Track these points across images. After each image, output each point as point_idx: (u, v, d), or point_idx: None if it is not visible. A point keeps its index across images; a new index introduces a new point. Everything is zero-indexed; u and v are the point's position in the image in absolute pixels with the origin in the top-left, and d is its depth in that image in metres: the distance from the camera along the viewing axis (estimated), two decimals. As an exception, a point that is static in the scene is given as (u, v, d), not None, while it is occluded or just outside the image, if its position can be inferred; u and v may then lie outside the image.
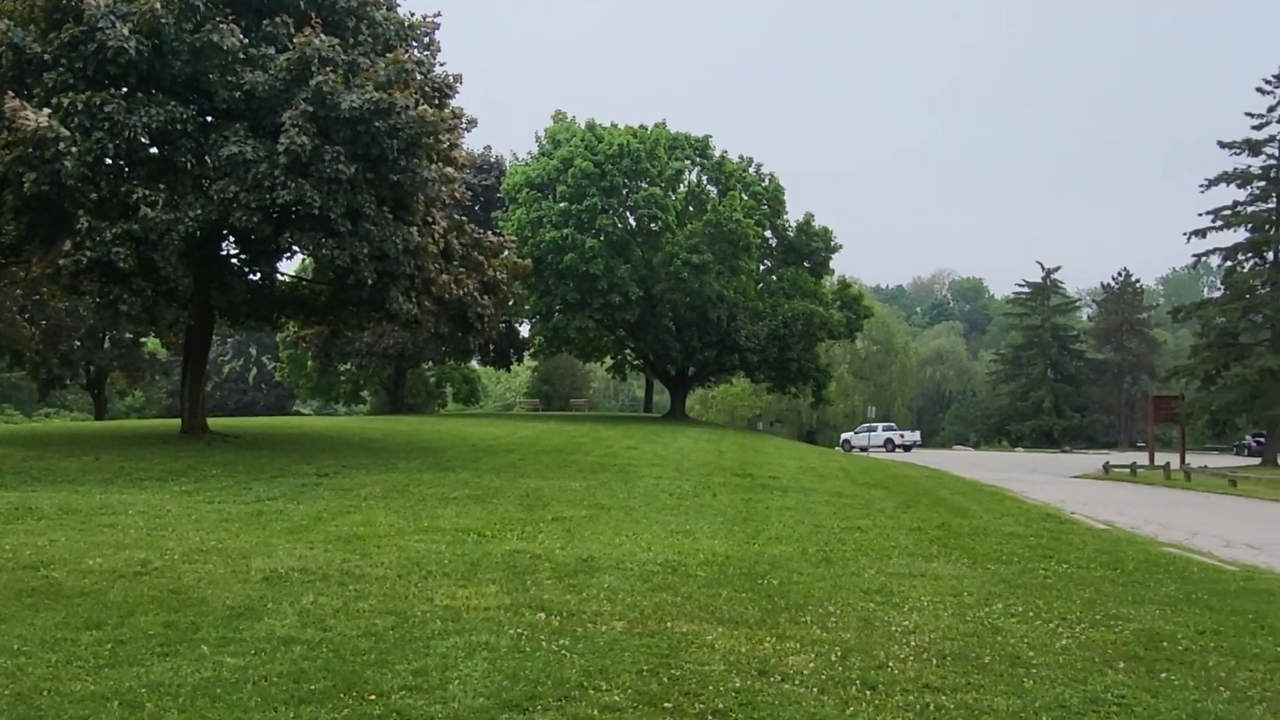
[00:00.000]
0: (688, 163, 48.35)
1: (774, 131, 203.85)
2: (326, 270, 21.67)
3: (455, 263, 24.79)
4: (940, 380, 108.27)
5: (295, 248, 21.46)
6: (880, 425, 64.83)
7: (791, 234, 49.86)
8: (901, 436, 60.50)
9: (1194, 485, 31.56)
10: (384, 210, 20.79)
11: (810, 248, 49.71)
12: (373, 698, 5.40)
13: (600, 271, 41.58)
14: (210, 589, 8.04)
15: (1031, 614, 8.17)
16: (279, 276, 25.99)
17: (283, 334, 47.33)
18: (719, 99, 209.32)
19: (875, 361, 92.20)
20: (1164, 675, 6.36)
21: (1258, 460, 51.70)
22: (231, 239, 23.39)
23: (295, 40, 19.56)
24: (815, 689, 5.78)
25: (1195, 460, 43.73)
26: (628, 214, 45.53)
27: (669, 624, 7.30)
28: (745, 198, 46.68)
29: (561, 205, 42.88)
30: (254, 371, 76.17)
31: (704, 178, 49.67)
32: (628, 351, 53.16)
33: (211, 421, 26.86)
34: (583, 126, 46.03)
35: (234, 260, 24.70)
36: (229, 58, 19.46)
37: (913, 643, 6.97)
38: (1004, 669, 6.37)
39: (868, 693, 5.74)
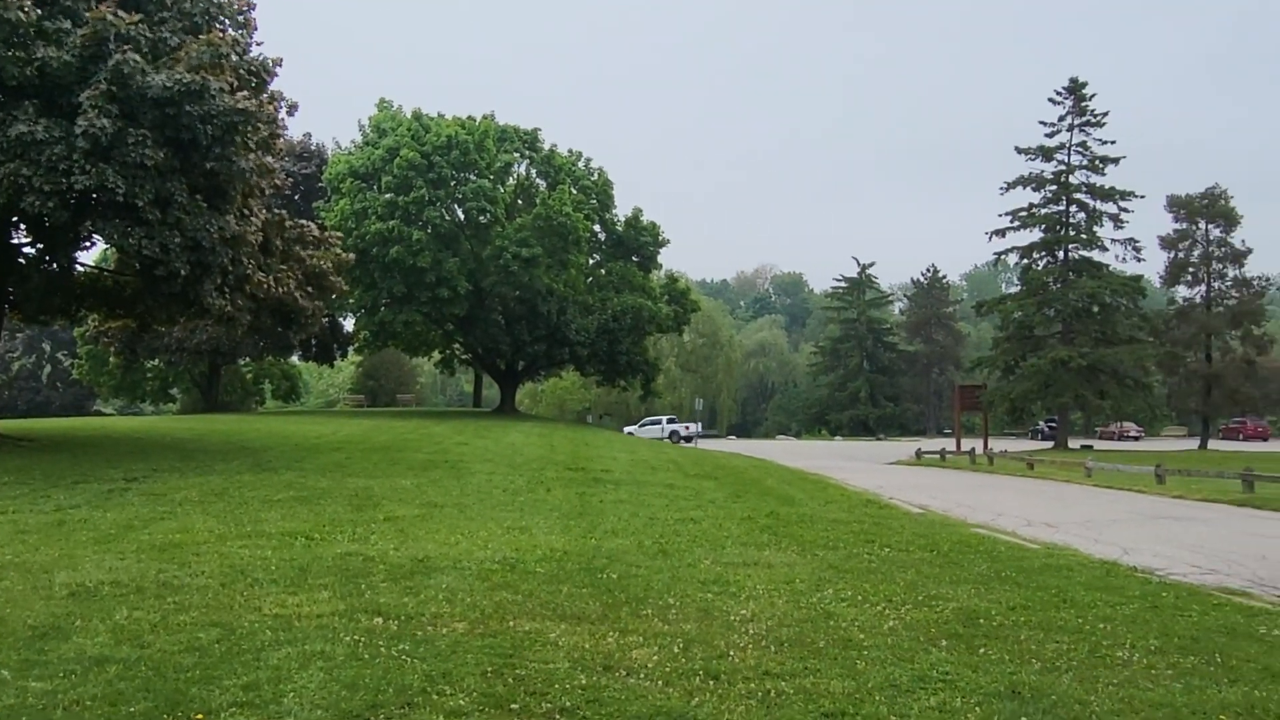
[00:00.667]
0: (517, 155, 48.00)
1: (600, 126, 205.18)
2: (133, 260, 20.29)
3: (275, 257, 23.73)
4: (764, 372, 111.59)
5: (97, 236, 20.01)
6: (664, 418, 66.91)
7: (620, 228, 50.27)
8: (686, 429, 62.28)
9: (997, 469, 33.70)
10: (197, 199, 19.66)
11: (639, 242, 50.24)
12: (200, 716, 5.09)
13: (428, 264, 40.76)
14: (9, 608, 7.40)
15: (860, 598, 8.51)
16: (78, 266, 24.21)
17: (81, 329, 44.22)
18: (547, 93, 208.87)
19: (702, 354, 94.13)
20: (982, 650, 6.73)
21: (1050, 444, 55.76)
22: (23, 226, 21.61)
23: (89, 15, 18.23)
24: (660, 681, 5.83)
25: (997, 445, 46.72)
26: (456, 206, 44.78)
27: (511, 623, 7.22)
28: (574, 191, 46.73)
29: (387, 196, 41.74)
30: (48, 369, 70.85)
31: (533, 171, 49.46)
32: (456, 346, 52.37)
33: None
34: (409, 116, 44.93)
35: (27, 249, 22.84)
36: (19, 31, 17.93)
37: (751, 631, 7.13)
38: (838, 652, 6.60)
39: (711, 682, 5.83)
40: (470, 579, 8.87)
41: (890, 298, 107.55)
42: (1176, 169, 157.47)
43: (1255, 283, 56.08)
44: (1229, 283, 55.86)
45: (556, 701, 5.42)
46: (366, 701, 5.34)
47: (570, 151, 49.70)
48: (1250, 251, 55.79)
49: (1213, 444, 56.35)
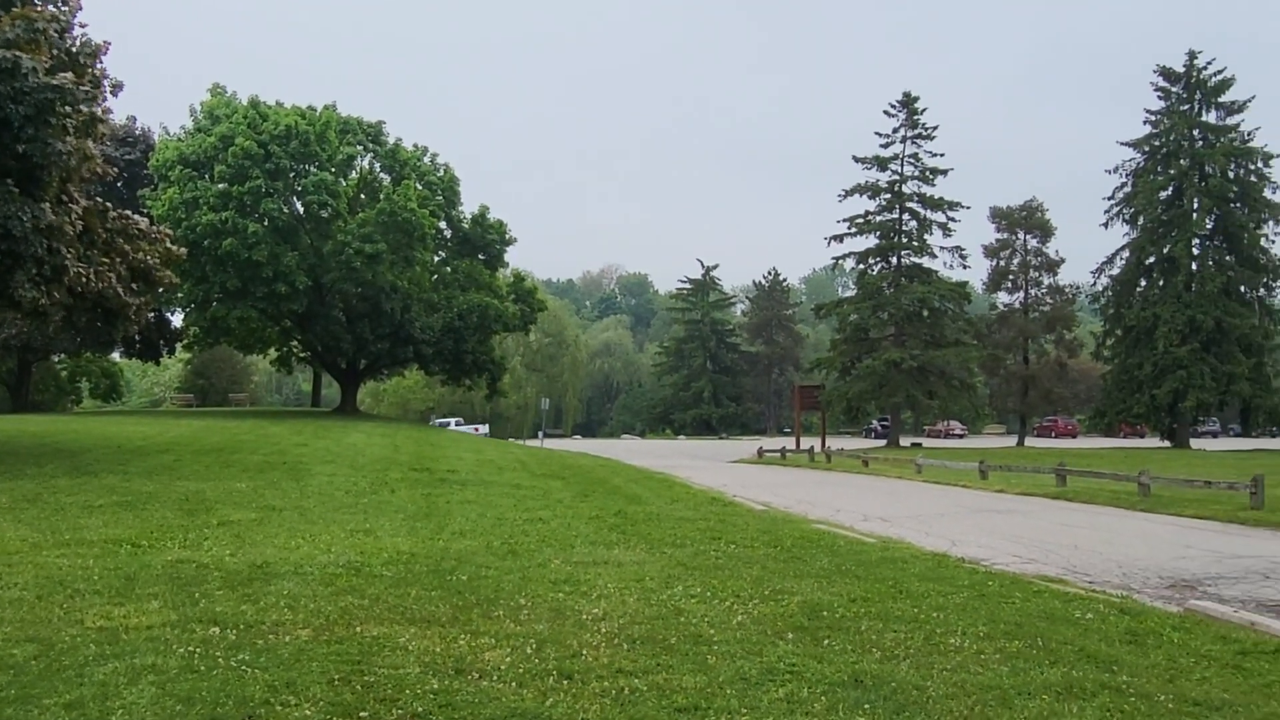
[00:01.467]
0: (360, 148, 46.65)
1: (445, 123, 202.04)
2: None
3: (97, 249, 22.29)
4: (609, 371, 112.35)
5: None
6: (452, 420, 68.61)
7: (467, 226, 49.59)
8: (476, 430, 62.89)
9: (834, 466, 34.93)
10: (8, 184, 18.28)
11: (485, 240, 49.67)
12: (17, 739, 4.74)
13: (264, 259, 39.15)
14: None
15: (709, 594, 8.66)
16: None
17: None
18: (390, 88, 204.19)
19: (548, 354, 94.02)
20: (826, 642, 6.95)
21: (883, 442, 58.19)
22: None
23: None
24: (513, 683, 5.77)
25: (834, 443, 48.45)
26: (295, 199, 43.20)
27: (358, 628, 7.01)
28: (420, 187, 45.80)
29: (221, 186, 39.87)
30: None
31: (377, 165, 48.21)
32: (295, 343, 50.53)
33: None
34: (245, 103, 43.04)
35: None
36: None
37: (603, 629, 7.15)
38: (689, 648, 6.69)
39: (565, 682, 5.81)
40: (313, 584, 8.57)
41: (733, 300, 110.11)
42: (999, 181, 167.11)
43: (1067, 290, 60.14)
44: (1044, 290, 59.72)
45: (408, 707, 5.30)
46: (204, 716, 5.08)
47: (416, 146, 48.71)
48: (1063, 261, 59.83)
49: (1029, 441, 60.11)
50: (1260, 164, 50.39)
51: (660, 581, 9.24)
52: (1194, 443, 52.31)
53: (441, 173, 48.96)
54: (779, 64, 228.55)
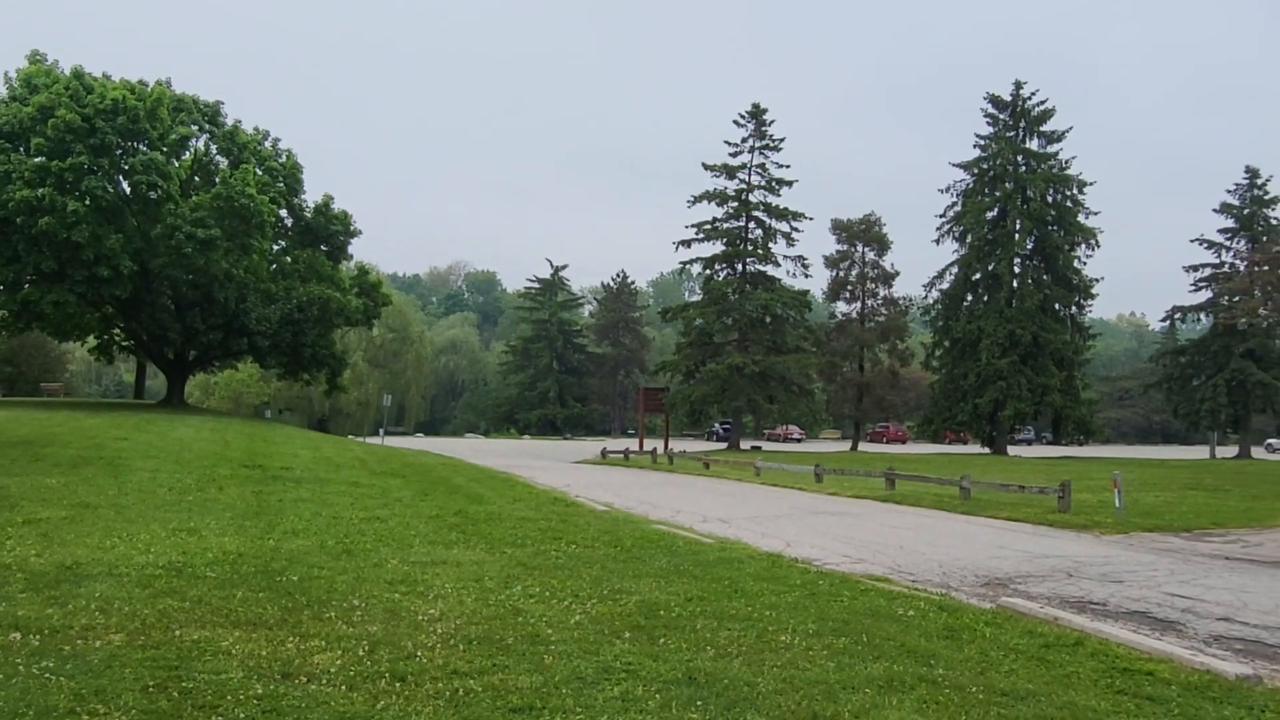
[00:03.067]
0: (195, 129, 44.41)
1: (289, 108, 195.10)
2: None
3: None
4: (454, 369, 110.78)
5: None
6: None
7: (309, 215, 47.88)
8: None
9: (677, 468, 35.44)
10: None
11: (328, 231, 48.11)
12: None
13: (85, 240, 36.70)
14: None
15: (548, 594, 8.64)
16: None
17: None
18: (230, 67, 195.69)
19: (391, 349, 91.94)
20: (662, 641, 7.05)
21: (724, 445, 59.39)
22: None
23: None
24: (343, 686, 5.61)
25: (677, 446, 49.14)
26: (122, 178, 40.68)
27: (177, 632, 6.67)
28: (259, 172, 43.87)
29: (37, 160, 37.16)
30: None
31: (213, 147, 45.92)
32: (117, 331, 47.63)
33: None
34: (68, 74, 40.32)
35: None
36: None
37: (439, 630, 7.04)
38: (526, 648, 6.66)
39: (398, 684, 5.69)
40: (129, 586, 8.11)
41: (581, 300, 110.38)
42: (842, 195, 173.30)
43: (900, 302, 62.86)
44: (880, 301, 62.25)
45: (229, 713, 5.07)
46: (0, 727, 4.74)
47: (256, 129, 46.73)
48: (898, 274, 62.56)
49: (862, 446, 62.47)
50: (1075, 190, 54.06)
51: (499, 581, 9.17)
52: (1011, 449, 55.55)
53: (284, 159, 47.11)
54: (627, 68, 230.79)
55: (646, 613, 7.97)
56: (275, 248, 47.58)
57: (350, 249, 50.40)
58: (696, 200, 56.92)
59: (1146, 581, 11.21)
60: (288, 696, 5.37)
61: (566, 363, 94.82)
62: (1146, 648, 7.48)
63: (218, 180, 42.22)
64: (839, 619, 8.04)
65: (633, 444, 50.34)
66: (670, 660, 6.47)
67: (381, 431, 59.58)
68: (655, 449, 41.21)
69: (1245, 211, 57.18)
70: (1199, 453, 58.62)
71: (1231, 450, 57.35)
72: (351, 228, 48.93)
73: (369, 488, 18.86)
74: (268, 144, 46.94)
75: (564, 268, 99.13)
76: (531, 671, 6.07)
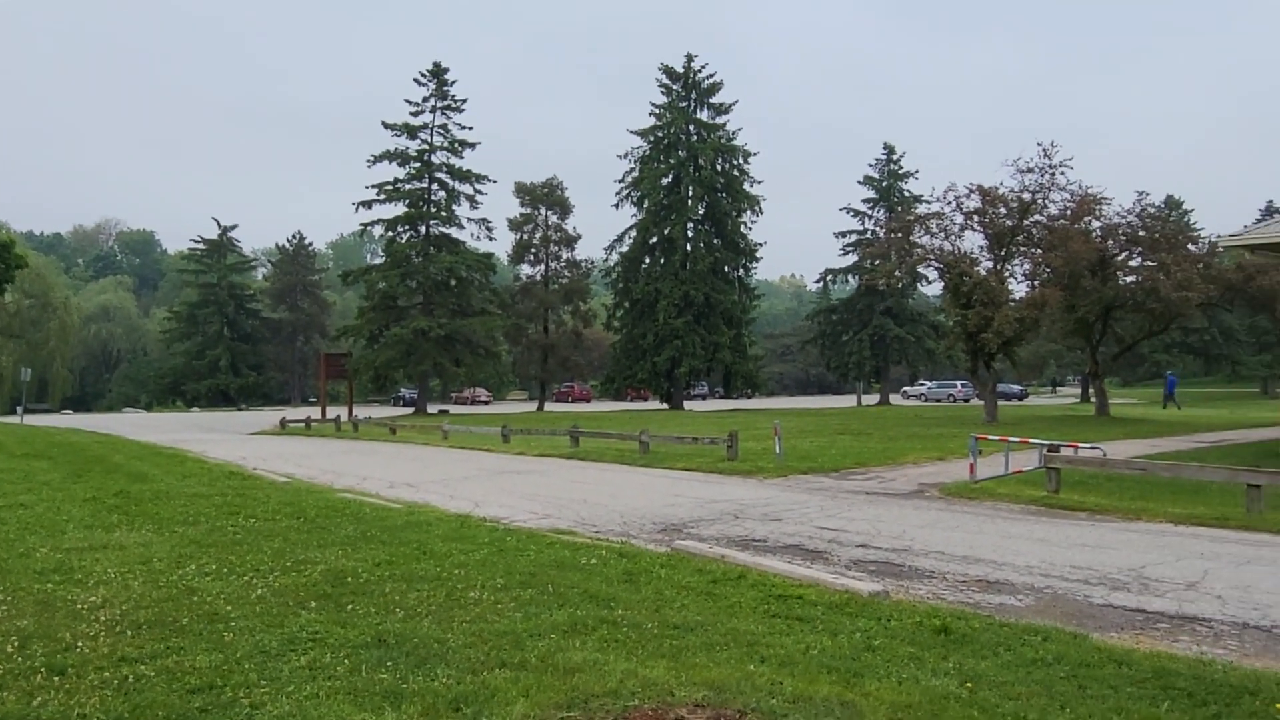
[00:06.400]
0: None
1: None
2: None
3: None
4: (107, 338, 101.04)
5: None
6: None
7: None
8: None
9: (362, 435, 34.55)
10: None
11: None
12: None
13: None
14: None
15: (225, 570, 8.28)
16: None
17: None
18: None
19: (29, 318, 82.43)
20: (350, 607, 6.99)
21: (411, 409, 58.56)
22: None
23: None
24: (-10, 687, 5.14)
25: (362, 412, 47.86)
26: None
27: None
28: None
29: None
30: None
31: None
32: None
33: None
34: None
35: None
36: None
37: (103, 618, 6.57)
38: (203, 627, 6.39)
39: (56, 678, 5.28)
40: None
41: (254, 263, 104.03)
42: (527, 159, 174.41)
43: (583, 265, 64.60)
44: (563, 264, 63.62)
45: None
46: None
47: None
48: (580, 237, 64.10)
49: (548, 406, 63.87)
50: (741, 160, 57.90)
51: (170, 562, 8.66)
52: (687, 404, 59.06)
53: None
54: (293, 18, 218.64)
55: (333, 581, 7.86)
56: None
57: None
58: (377, 160, 55.33)
59: (801, 518, 12.45)
60: (-79, 705, 4.85)
61: (239, 329, 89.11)
62: (798, 575, 8.37)
63: None
64: (526, 572, 8.32)
65: (315, 412, 48.40)
66: (359, 625, 6.45)
67: (20, 409, 53.38)
68: (339, 416, 39.88)
69: (884, 184, 63.89)
70: (848, 401, 65.24)
71: (874, 398, 64.31)
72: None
73: (8, 472, 17.02)
74: None
75: (234, 228, 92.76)
76: (210, 650, 5.84)
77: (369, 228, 57.12)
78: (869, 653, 5.93)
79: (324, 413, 46.33)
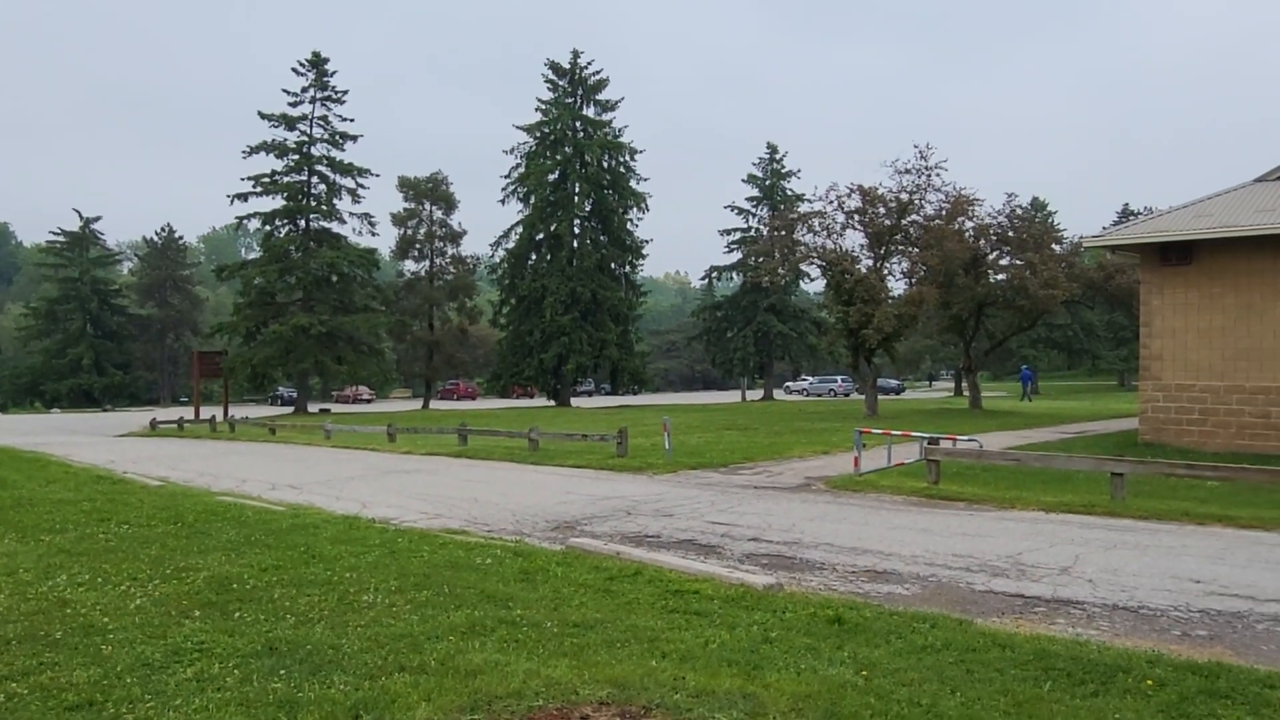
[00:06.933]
0: None
1: None
2: None
3: None
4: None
5: None
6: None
7: None
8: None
9: (239, 435, 33.41)
10: None
11: None
12: None
13: None
14: None
15: (100, 580, 7.89)
16: None
17: None
18: None
19: None
20: (237, 614, 6.75)
21: (291, 409, 56.97)
22: None
23: None
24: None
25: (239, 412, 46.25)
26: None
27: None
28: None
29: None
30: None
31: None
32: None
33: None
34: None
35: None
36: None
37: (-34, 634, 6.19)
38: (79, 640, 6.07)
39: (-84, 702, 4.95)
40: None
41: (120, 256, 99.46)
42: (412, 154, 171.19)
43: (469, 260, 63.93)
44: (448, 260, 62.83)
45: None
46: None
47: None
48: (465, 233, 63.51)
49: (434, 404, 63.00)
50: (628, 157, 58.13)
51: (38, 573, 8.21)
52: (574, 401, 59.01)
53: None
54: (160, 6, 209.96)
55: (218, 588, 7.57)
56: None
57: None
58: (253, 151, 53.57)
59: (692, 513, 12.57)
60: None
61: (103, 326, 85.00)
62: (694, 570, 8.44)
63: None
64: (420, 574, 8.17)
65: (188, 412, 46.57)
66: (248, 633, 6.23)
67: None
68: (214, 416, 38.50)
69: (768, 183, 64.99)
70: (733, 397, 66.20)
71: (759, 393, 65.39)
72: None
73: None
74: None
75: (97, 220, 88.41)
76: (88, 665, 5.55)
77: (245, 221, 55.28)
78: (767, 645, 6.03)
79: (198, 413, 44.68)
